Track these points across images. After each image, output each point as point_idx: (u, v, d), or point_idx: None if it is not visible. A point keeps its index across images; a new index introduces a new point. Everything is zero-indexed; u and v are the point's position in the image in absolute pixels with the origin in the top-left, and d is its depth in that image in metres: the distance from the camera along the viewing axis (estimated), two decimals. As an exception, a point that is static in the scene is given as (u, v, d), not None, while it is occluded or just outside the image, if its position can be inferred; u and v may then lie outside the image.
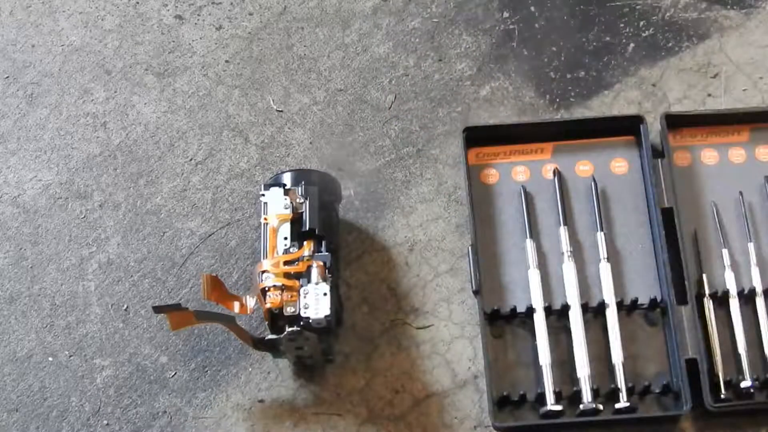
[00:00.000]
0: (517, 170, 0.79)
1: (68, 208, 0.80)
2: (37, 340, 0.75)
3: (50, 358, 0.74)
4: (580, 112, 0.82)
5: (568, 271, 0.73)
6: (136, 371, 0.73)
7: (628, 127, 0.78)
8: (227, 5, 0.89)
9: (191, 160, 0.81)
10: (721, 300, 0.72)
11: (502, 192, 0.78)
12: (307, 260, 0.68)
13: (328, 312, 0.66)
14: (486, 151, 0.79)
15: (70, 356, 0.74)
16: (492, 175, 0.78)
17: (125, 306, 0.76)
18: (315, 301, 0.66)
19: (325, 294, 0.66)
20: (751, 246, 0.74)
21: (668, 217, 0.74)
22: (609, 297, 0.72)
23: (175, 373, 0.73)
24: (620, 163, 0.78)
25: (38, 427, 0.72)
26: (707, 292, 0.72)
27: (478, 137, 0.78)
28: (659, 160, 0.76)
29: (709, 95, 0.82)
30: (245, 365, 0.73)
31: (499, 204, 0.77)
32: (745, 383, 0.69)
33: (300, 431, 0.71)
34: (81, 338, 0.75)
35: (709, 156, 0.78)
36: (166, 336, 0.74)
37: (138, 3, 0.89)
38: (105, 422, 0.72)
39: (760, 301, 0.72)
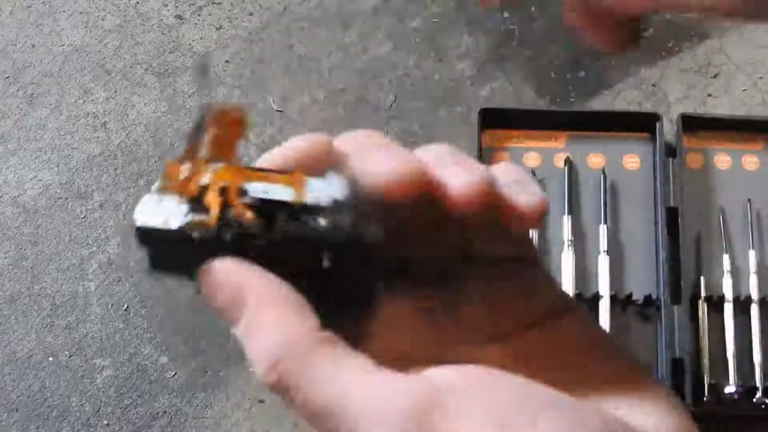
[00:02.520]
0: (529, 156, 0.79)
1: (68, 208, 0.80)
2: (38, 340, 0.75)
3: (50, 358, 0.74)
4: (580, 112, 0.82)
5: (566, 260, 0.73)
6: (136, 371, 0.73)
7: (644, 123, 0.78)
8: (227, 5, 0.89)
9: (191, 160, 0.81)
10: (716, 304, 0.73)
11: None
12: None
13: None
14: (500, 133, 0.79)
15: (71, 356, 0.74)
16: (504, 158, 0.79)
17: (125, 306, 0.76)
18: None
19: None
20: (752, 253, 0.74)
21: (673, 216, 0.74)
22: (604, 289, 0.73)
23: (175, 374, 0.73)
24: (633, 159, 0.78)
25: (38, 427, 0.72)
26: (703, 294, 0.72)
27: (492, 120, 0.79)
28: (671, 159, 0.76)
29: (710, 95, 0.82)
30: (246, 365, 0.73)
31: None
32: (729, 389, 0.69)
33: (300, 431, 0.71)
34: (81, 338, 0.75)
35: (722, 160, 0.78)
36: (167, 336, 0.74)
37: (138, 3, 0.89)
38: (105, 422, 0.72)
39: (754, 309, 0.72)
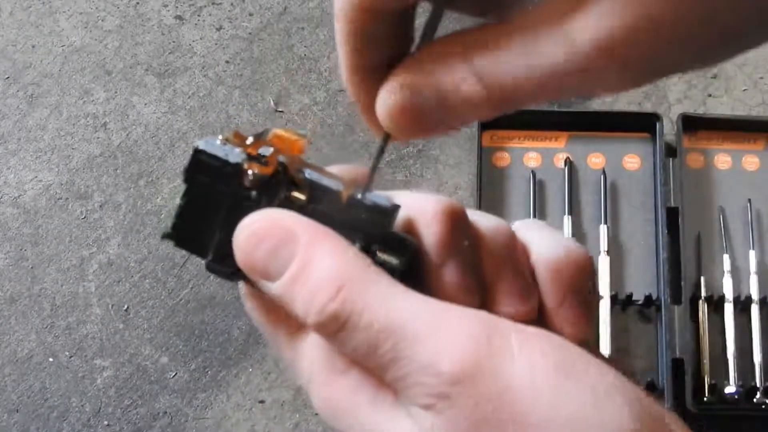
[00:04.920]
0: (530, 156, 0.79)
1: (68, 208, 0.80)
2: (38, 341, 0.75)
3: (51, 359, 0.74)
4: (580, 113, 0.82)
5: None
6: (136, 372, 0.73)
7: (644, 123, 0.78)
8: (227, 6, 0.89)
9: (191, 160, 0.81)
10: (716, 304, 0.73)
11: (512, 176, 0.78)
12: None
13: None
14: (500, 134, 0.79)
15: (71, 357, 0.74)
16: (503, 158, 0.79)
17: (126, 307, 0.76)
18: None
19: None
20: (752, 254, 0.74)
21: (673, 216, 0.74)
22: (604, 289, 0.73)
23: (176, 374, 0.73)
24: (633, 159, 0.79)
25: (39, 428, 0.72)
26: (703, 294, 0.72)
27: (492, 120, 0.78)
28: (671, 159, 0.76)
29: (710, 95, 0.82)
30: (246, 366, 0.73)
31: (508, 187, 0.78)
32: (730, 389, 0.69)
33: (300, 432, 0.71)
34: (81, 339, 0.75)
35: (722, 160, 0.78)
36: (167, 337, 0.74)
37: (138, 3, 0.89)
38: (105, 423, 0.72)
39: (754, 309, 0.72)
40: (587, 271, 0.30)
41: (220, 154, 0.28)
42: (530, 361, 0.24)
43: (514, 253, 0.29)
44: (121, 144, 0.83)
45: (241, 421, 0.71)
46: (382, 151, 0.29)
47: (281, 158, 0.28)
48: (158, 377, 0.73)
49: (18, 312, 0.76)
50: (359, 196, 0.28)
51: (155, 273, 0.77)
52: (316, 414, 0.71)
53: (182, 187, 0.29)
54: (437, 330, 0.24)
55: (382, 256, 0.27)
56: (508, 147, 0.79)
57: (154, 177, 0.81)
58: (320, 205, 0.28)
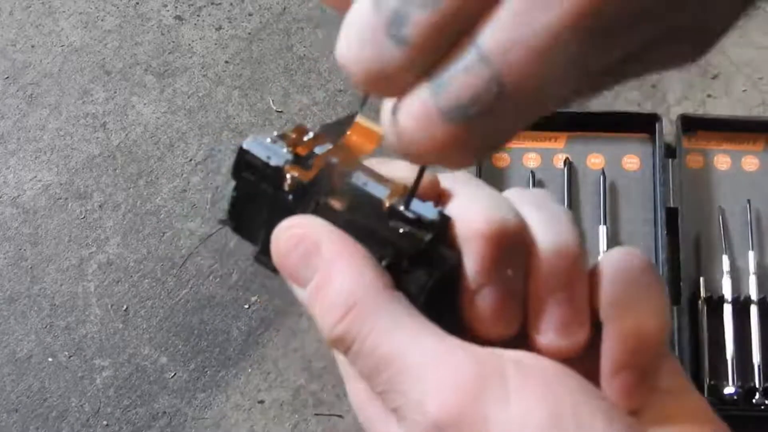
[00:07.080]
0: (529, 156, 0.79)
1: (68, 208, 0.80)
2: (37, 341, 0.75)
3: (50, 359, 0.74)
4: (579, 113, 0.82)
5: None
6: (135, 372, 0.73)
7: (644, 124, 0.78)
8: (227, 6, 0.89)
9: (191, 160, 0.82)
10: (715, 305, 0.73)
11: (512, 176, 0.78)
12: None
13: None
14: None
15: (70, 357, 0.74)
16: (503, 159, 0.79)
17: (125, 306, 0.76)
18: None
19: None
20: (751, 254, 0.74)
21: (673, 217, 0.74)
22: None
23: (175, 374, 0.73)
24: (632, 160, 0.79)
25: (38, 428, 0.72)
26: (702, 295, 0.72)
27: None
28: (670, 160, 0.76)
29: (709, 96, 0.82)
30: (245, 366, 0.73)
31: (508, 188, 0.78)
32: (729, 389, 0.69)
33: (300, 432, 0.71)
34: (81, 339, 0.75)
35: (722, 161, 0.78)
36: (166, 337, 0.74)
37: (138, 3, 0.89)
38: (104, 423, 0.72)
39: (754, 310, 0.72)
40: (662, 345, 0.27)
41: (262, 155, 0.29)
42: (524, 408, 0.23)
43: (572, 282, 0.27)
44: (120, 144, 0.83)
45: (240, 421, 0.71)
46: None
47: (333, 159, 0.28)
48: (157, 377, 0.73)
49: (17, 312, 0.76)
50: (401, 207, 0.27)
51: (154, 273, 0.77)
52: (316, 414, 0.71)
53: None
54: (433, 367, 0.24)
55: (413, 270, 0.27)
56: (508, 147, 0.79)
57: (153, 177, 0.81)
58: (358, 214, 0.28)
